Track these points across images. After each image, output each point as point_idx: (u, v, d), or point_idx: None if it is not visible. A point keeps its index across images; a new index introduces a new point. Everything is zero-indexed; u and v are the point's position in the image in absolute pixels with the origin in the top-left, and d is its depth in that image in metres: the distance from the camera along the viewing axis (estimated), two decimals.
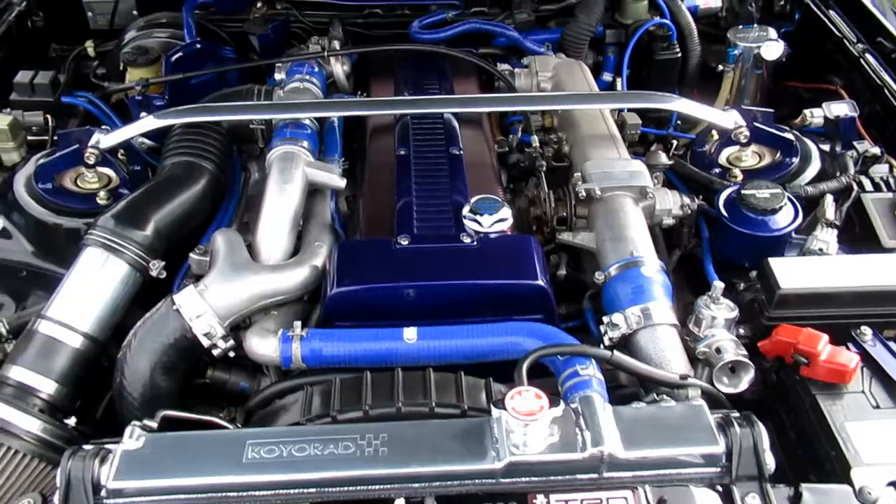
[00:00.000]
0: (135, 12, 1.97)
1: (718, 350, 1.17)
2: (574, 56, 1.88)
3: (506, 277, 1.23)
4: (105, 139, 1.44)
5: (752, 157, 1.59)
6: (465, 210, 1.32)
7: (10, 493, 1.09)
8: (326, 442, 0.99)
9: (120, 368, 1.19)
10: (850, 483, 1.00)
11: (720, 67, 1.90)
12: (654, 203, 1.40)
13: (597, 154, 1.47)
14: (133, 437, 1.00)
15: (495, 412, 0.97)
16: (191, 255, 1.34)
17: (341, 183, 1.45)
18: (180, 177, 1.42)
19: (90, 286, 1.27)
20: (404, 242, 1.27)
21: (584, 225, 1.41)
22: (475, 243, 1.27)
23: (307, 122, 1.53)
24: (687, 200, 1.42)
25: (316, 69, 1.73)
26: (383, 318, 1.20)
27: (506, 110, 1.63)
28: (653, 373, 1.12)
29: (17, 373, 1.18)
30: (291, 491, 0.96)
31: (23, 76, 1.68)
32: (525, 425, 0.95)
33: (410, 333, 1.17)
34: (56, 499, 0.95)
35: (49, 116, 1.61)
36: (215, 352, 1.21)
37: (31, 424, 1.12)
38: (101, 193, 1.46)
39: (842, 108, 1.62)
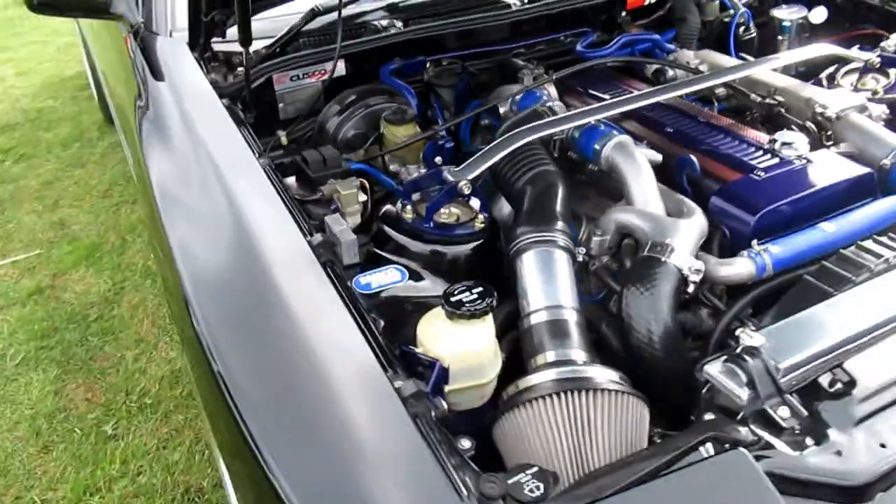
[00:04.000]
0: (321, 97, 2.11)
1: None
2: (688, 48, 2.37)
3: (851, 174, 1.63)
4: (469, 173, 1.62)
5: (871, 81, 2.16)
6: (777, 144, 1.71)
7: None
8: None
9: (628, 319, 1.40)
10: None
11: (779, 38, 2.49)
12: (871, 112, 1.89)
13: (803, 90, 1.94)
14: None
15: None
16: (593, 237, 1.59)
17: (660, 157, 1.77)
18: (547, 183, 1.66)
19: (550, 275, 1.46)
20: (763, 175, 1.64)
21: (834, 141, 1.87)
22: (803, 161, 1.67)
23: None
24: (884, 107, 1.94)
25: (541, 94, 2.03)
26: (787, 226, 1.54)
27: (732, 77, 2.01)
28: None
29: (550, 356, 1.34)
30: None
31: (310, 154, 1.79)
32: None
33: (829, 227, 1.53)
34: None
35: (364, 180, 1.74)
36: (691, 286, 1.45)
37: (608, 374, 1.29)
38: (479, 217, 1.64)
39: None
